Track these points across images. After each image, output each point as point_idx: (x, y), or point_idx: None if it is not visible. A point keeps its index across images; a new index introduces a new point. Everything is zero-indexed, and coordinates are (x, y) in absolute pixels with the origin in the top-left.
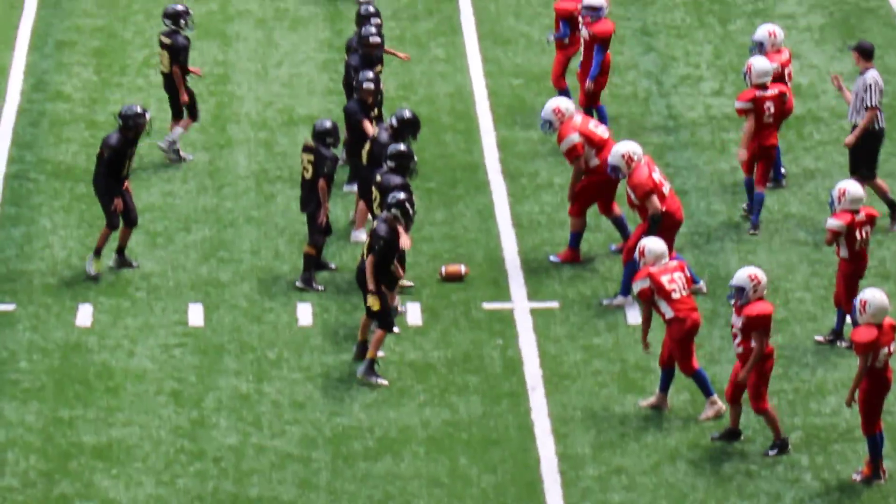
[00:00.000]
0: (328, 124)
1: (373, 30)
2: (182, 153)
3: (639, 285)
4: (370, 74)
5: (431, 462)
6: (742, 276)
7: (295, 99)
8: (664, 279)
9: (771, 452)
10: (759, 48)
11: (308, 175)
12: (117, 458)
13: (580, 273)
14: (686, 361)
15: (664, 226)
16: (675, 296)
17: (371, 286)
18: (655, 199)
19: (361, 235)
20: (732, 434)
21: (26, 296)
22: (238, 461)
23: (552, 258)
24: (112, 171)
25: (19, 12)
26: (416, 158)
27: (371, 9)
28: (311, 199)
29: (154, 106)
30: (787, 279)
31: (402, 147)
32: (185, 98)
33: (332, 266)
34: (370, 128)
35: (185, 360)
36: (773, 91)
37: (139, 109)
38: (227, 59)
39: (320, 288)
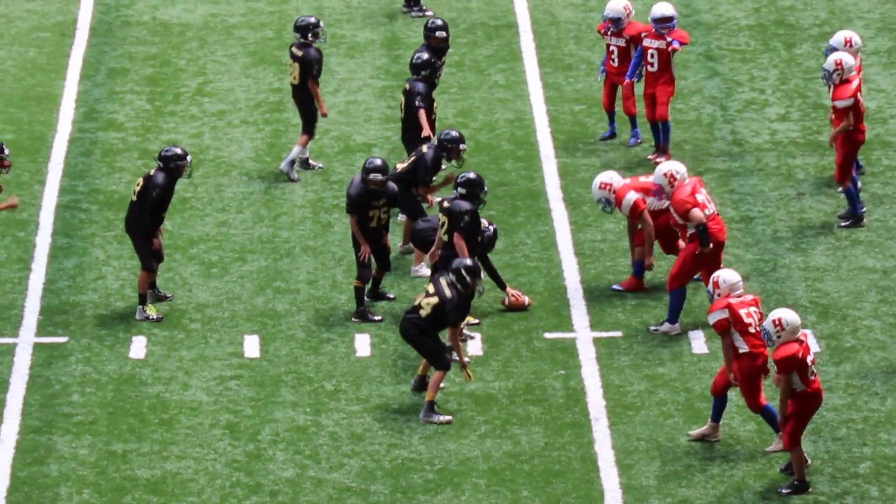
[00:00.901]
0: (377, 162)
1: (439, 22)
2: (311, 161)
3: (717, 316)
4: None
5: (493, 495)
6: (768, 320)
7: (352, 127)
8: (742, 312)
9: (784, 490)
10: (833, 53)
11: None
12: (172, 493)
13: (644, 302)
14: (754, 398)
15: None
16: (752, 330)
17: (460, 359)
18: (697, 211)
19: (422, 270)
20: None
21: (79, 328)
22: (295, 495)
23: (615, 287)
24: (156, 211)
25: (70, 40)
26: (486, 189)
27: (438, 22)
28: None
29: (208, 135)
30: (855, 307)
31: (471, 175)
32: (324, 110)
33: (391, 296)
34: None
35: (240, 392)
36: (856, 82)
37: (180, 151)
38: (283, 86)
39: (378, 318)
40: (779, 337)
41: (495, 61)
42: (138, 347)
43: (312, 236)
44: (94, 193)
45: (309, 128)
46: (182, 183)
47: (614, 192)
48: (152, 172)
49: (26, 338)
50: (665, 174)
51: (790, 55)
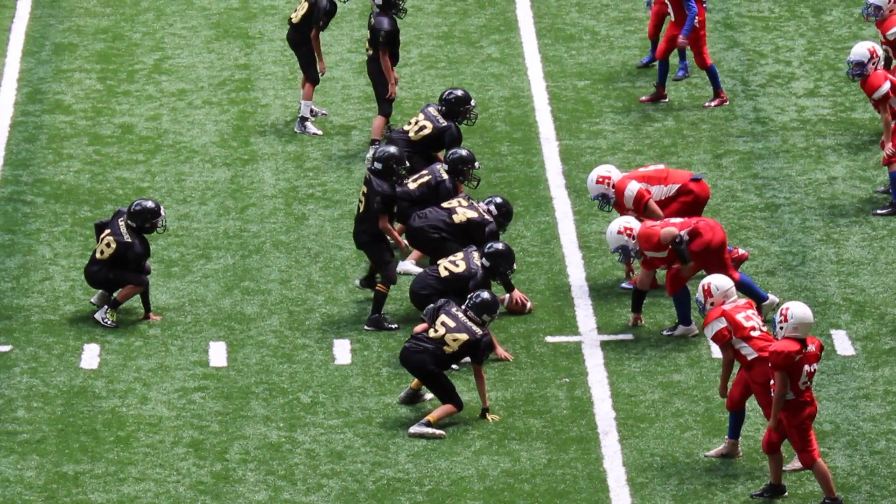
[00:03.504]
0: (391, 150)
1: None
2: (315, 108)
3: (714, 327)
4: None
5: None
6: (779, 309)
7: (328, 106)
8: (740, 317)
9: None
10: (877, 12)
11: (361, 208)
12: None
13: (656, 300)
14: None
15: (708, 255)
16: (756, 333)
17: (483, 402)
18: (667, 230)
19: (408, 266)
20: (775, 490)
21: (24, 335)
22: None
23: (624, 284)
24: (138, 269)
25: (11, 12)
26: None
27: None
28: (368, 233)
29: (167, 117)
30: (894, 304)
31: (498, 199)
32: (322, 66)
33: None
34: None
35: (206, 405)
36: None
37: (152, 205)
38: (251, 62)
39: (394, 327)
40: (781, 328)
41: (488, 32)
42: (90, 357)
43: (285, 230)
44: (40, 184)
45: (310, 73)
46: (138, 171)
47: (613, 185)
48: (125, 236)
49: None
50: (619, 232)
51: (819, 22)
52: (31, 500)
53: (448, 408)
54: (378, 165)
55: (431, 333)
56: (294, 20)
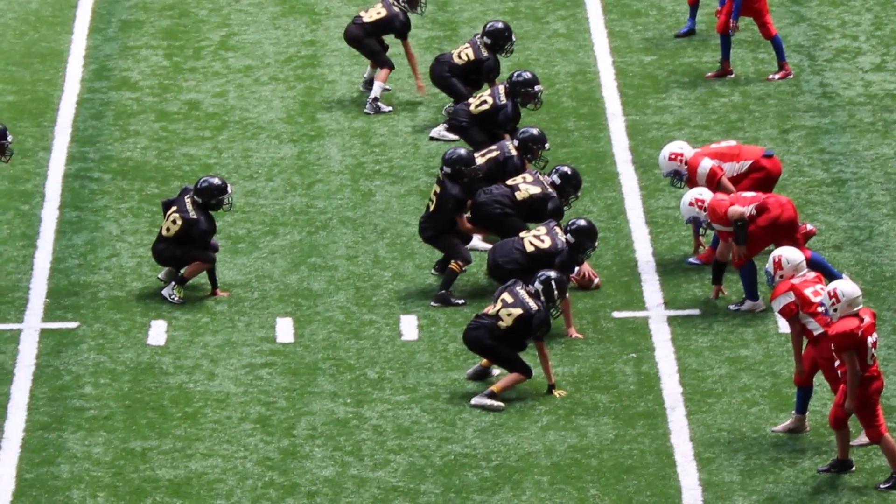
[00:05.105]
0: (461, 152)
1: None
2: (381, 103)
3: (782, 301)
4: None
5: (556, 493)
6: (824, 291)
7: (394, 82)
8: (808, 292)
9: (883, 486)
10: None
11: (432, 207)
12: (197, 495)
13: (724, 276)
14: (840, 382)
15: (776, 231)
16: (821, 309)
17: (549, 378)
18: (735, 207)
19: (477, 243)
20: (842, 465)
21: (91, 312)
22: (335, 496)
23: (691, 260)
24: (205, 245)
25: None
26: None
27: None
28: (434, 229)
29: (233, 94)
30: None
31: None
32: (420, 84)
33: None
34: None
35: (273, 381)
36: None
37: (218, 182)
38: (317, 38)
39: (460, 302)
40: (835, 310)
41: (554, 7)
42: (158, 333)
43: (351, 206)
44: (106, 161)
45: (381, 59)
46: (204, 148)
47: (686, 162)
48: (192, 213)
49: (32, 323)
50: (691, 203)
51: None
52: (99, 476)
53: (514, 377)
54: (447, 169)
55: (491, 310)
56: (365, 19)
